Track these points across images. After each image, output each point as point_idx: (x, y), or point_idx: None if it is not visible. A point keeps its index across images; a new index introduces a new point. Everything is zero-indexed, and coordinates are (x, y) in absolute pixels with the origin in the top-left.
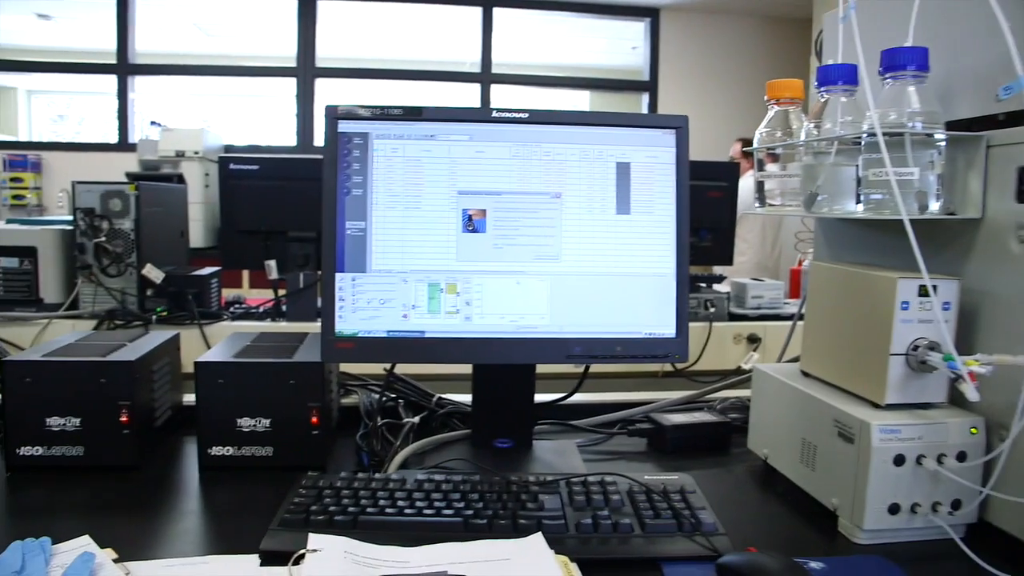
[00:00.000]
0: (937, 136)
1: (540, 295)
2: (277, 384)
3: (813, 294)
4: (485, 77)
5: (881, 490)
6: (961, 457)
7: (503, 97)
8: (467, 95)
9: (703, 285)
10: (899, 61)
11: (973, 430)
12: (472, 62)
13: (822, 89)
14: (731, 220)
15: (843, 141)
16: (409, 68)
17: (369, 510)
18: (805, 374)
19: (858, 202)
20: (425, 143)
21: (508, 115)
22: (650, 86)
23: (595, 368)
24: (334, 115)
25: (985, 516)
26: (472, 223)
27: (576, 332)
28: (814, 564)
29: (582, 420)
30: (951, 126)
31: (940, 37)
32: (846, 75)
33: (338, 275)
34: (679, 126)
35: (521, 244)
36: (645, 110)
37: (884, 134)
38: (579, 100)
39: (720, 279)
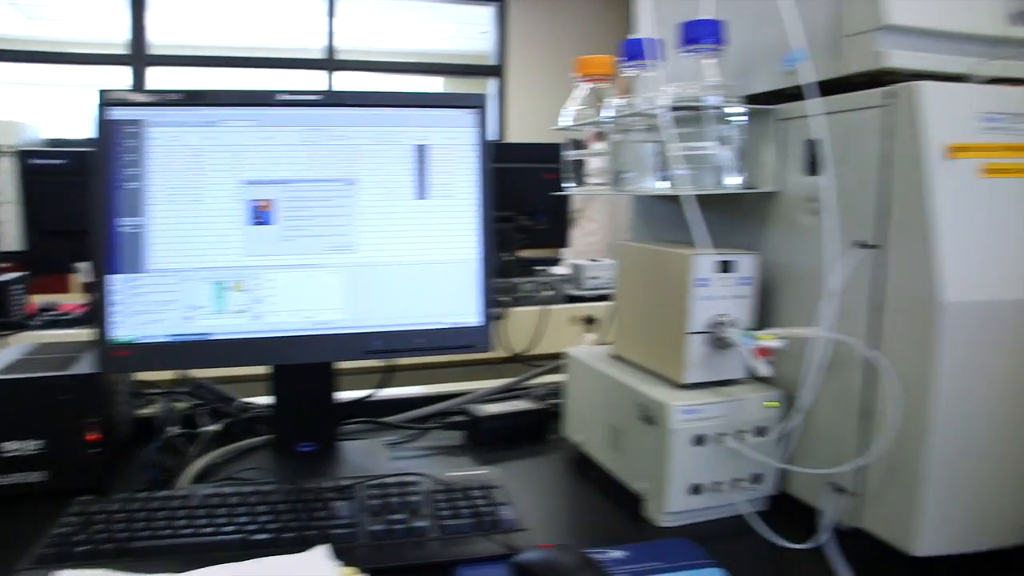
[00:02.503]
0: (734, 110)
1: (335, 288)
2: (47, 401)
3: (621, 275)
4: (330, 63)
5: (683, 471)
6: (761, 432)
7: (350, 84)
8: (312, 83)
9: (540, 268)
10: (695, 34)
11: (769, 404)
12: (320, 48)
13: (627, 65)
14: (566, 202)
15: (650, 116)
16: (251, 55)
17: (141, 535)
18: (618, 357)
19: (663, 179)
20: (207, 130)
21: (296, 98)
22: (499, 70)
23: (428, 359)
24: (106, 101)
25: (787, 488)
26: (259, 215)
27: (376, 326)
28: (616, 553)
29: (395, 416)
30: (751, 100)
31: (740, 11)
32: (649, 50)
33: (112, 277)
34: (478, 105)
35: (313, 235)
36: (494, 95)
37: (681, 108)
38: (432, 86)
39: (557, 261)
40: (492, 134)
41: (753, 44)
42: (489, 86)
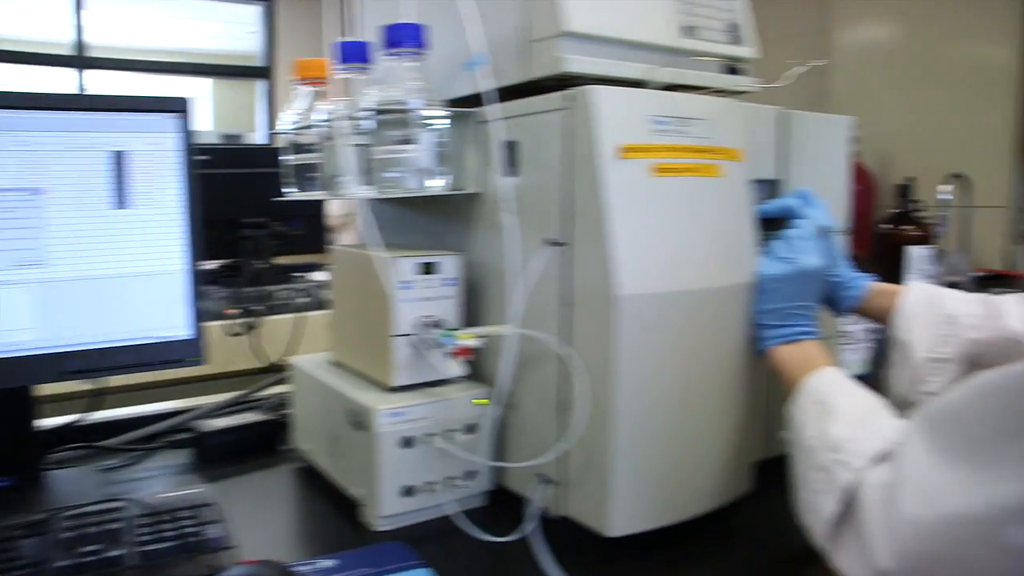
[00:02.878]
0: (435, 113)
1: (24, 306)
2: None
3: (335, 280)
4: (79, 61)
5: (393, 474)
6: (471, 429)
7: (102, 84)
8: (60, 81)
9: (299, 274)
10: (397, 38)
11: (478, 401)
12: (67, 43)
13: (339, 67)
14: (321, 207)
15: (356, 120)
16: None
17: None
18: (337, 363)
19: (371, 182)
20: None
21: None
22: (267, 72)
23: (172, 374)
24: None
25: (502, 482)
26: None
27: (73, 344)
28: (326, 562)
29: (114, 439)
30: (457, 103)
31: (444, 15)
32: (360, 53)
33: None
34: (181, 109)
35: None
36: (262, 97)
37: (384, 112)
38: (198, 88)
39: (316, 267)
40: (262, 138)
41: (456, 48)
42: (257, 88)
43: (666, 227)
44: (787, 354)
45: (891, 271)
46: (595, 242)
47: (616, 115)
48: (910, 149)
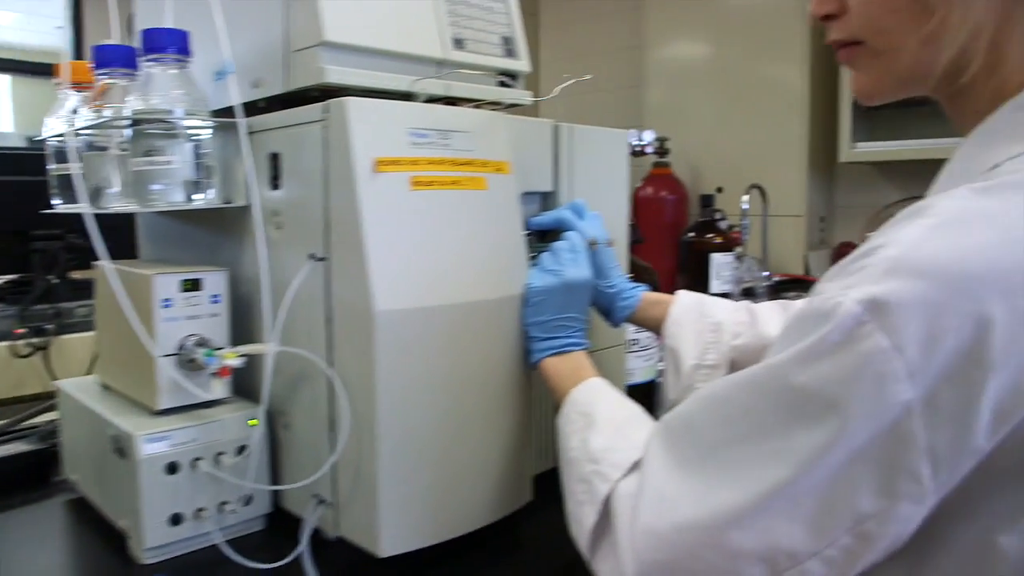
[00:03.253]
0: (199, 123)
1: None
2: None
3: (98, 299)
4: None
5: (158, 503)
6: (242, 451)
7: None
8: None
9: None
10: (159, 43)
11: (251, 422)
12: None
13: (99, 72)
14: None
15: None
16: None
17: None
18: (105, 386)
19: (135, 194)
20: None
21: None
22: None
23: None
24: None
25: (284, 504)
26: None
27: None
28: None
29: None
30: (226, 113)
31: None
32: (123, 58)
33: None
34: None
35: None
36: None
37: (143, 122)
38: None
39: None
40: None
41: (221, 56)
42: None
43: (427, 241)
44: (555, 366)
45: (697, 277)
46: (353, 257)
47: (373, 127)
48: (718, 161)
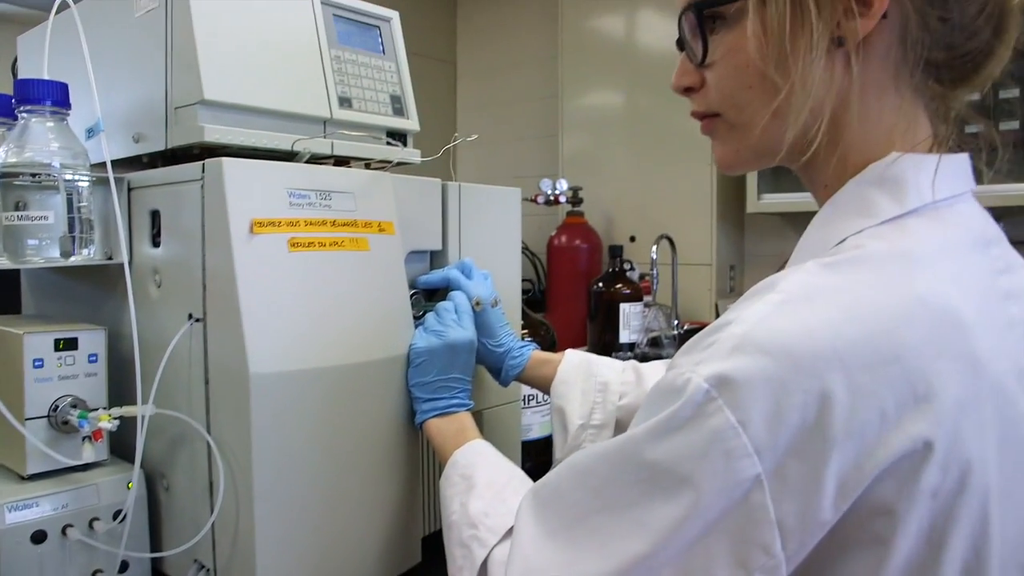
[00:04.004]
0: (79, 176)
1: None
2: None
3: None
4: None
5: (22, 574)
6: (118, 515)
7: None
8: None
9: None
10: (34, 94)
11: (129, 484)
12: None
13: None
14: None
15: None
16: None
17: None
18: None
19: (10, 249)
20: None
21: None
22: None
23: None
24: None
25: (166, 569)
26: None
27: None
28: None
29: None
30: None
31: (101, 74)
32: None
33: None
34: None
35: None
36: None
37: (16, 174)
38: None
39: None
40: None
41: (111, 111)
42: None
43: (305, 303)
44: (439, 427)
45: (607, 326)
46: (229, 318)
47: (249, 188)
48: (631, 210)
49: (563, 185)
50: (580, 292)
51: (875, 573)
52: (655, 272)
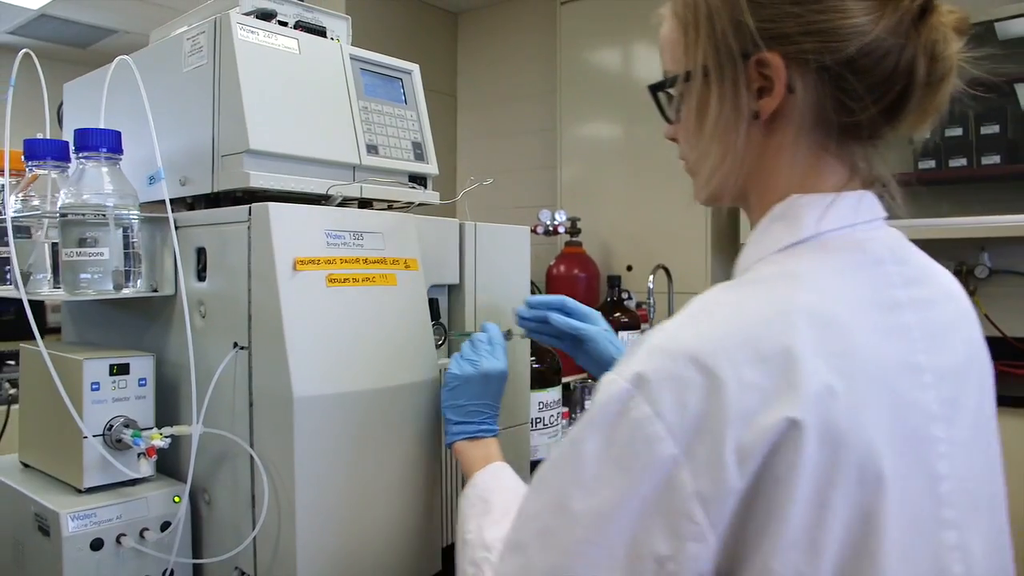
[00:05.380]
0: (131, 216)
1: None
2: None
3: (24, 379)
4: None
5: None
6: (165, 527)
7: None
8: None
9: (13, 363)
10: (92, 142)
11: (176, 499)
12: None
13: (30, 164)
14: None
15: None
16: None
17: None
18: (26, 464)
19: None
20: None
21: None
22: None
23: None
24: None
25: None
26: None
27: None
28: None
29: None
30: (154, 208)
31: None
32: (56, 151)
33: None
34: None
35: None
36: None
37: (76, 213)
38: None
39: None
40: None
41: (154, 157)
42: None
43: (341, 333)
44: (467, 450)
45: None
46: (274, 347)
47: (292, 230)
48: (628, 240)
49: (562, 216)
50: None
51: (776, 536)
52: (651, 301)
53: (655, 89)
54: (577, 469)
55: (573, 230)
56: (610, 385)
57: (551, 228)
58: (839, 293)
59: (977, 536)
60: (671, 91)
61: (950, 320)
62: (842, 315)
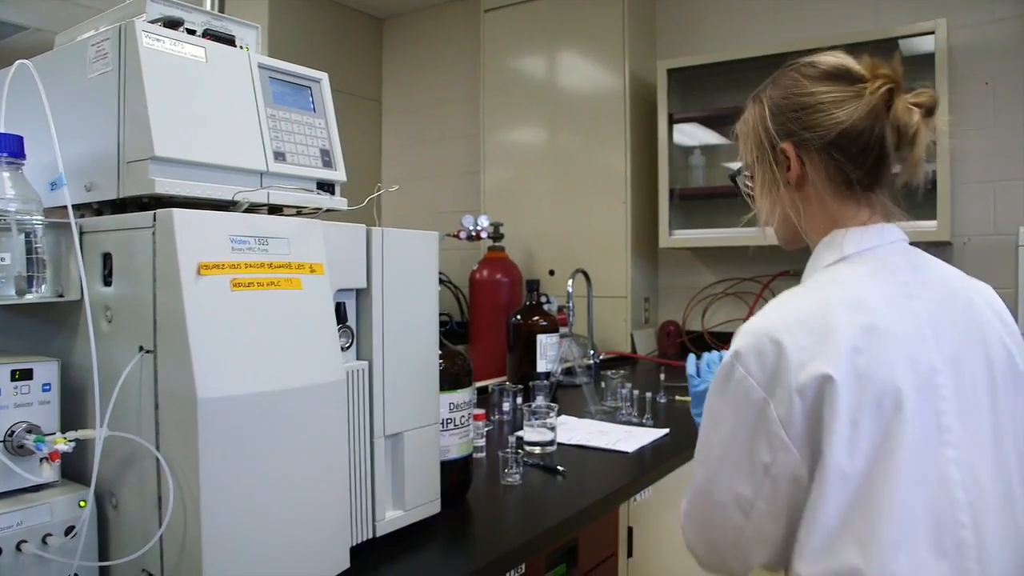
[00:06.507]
0: (34, 221)
1: None
2: None
3: None
4: None
5: None
6: (70, 531)
7: None
8: None
9: None
10: None
11: (82, 503)
12: None
13: None
14: None
15: None
16: None
17: None
18: None
19: None
20: None
21: None
22: None
23: None
24: None
25: None
26: None
27: None
28: None
29: None
30: (60, 213)
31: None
32: None
33: None
34: None
35: None
36: None
37: None
38: None
39: None
40: None
41: (68, 160)
42: None
43: (246, 335)
44: None
45: (525, 357)
46: (178, 350)
47: (196, 235)
48: (551, 245)
49: (484, 221)
50: (501, 324)
51: (829, 445)
52: (571, 304)
53: (733, 176)
54: (710, 416)
55: (496, 235)
56: (723, 361)
57: (474, 233)
58: (867, 290)
59: (979, 457)
60: (745, 177)
61: (951, 309)
62: (869, 302)
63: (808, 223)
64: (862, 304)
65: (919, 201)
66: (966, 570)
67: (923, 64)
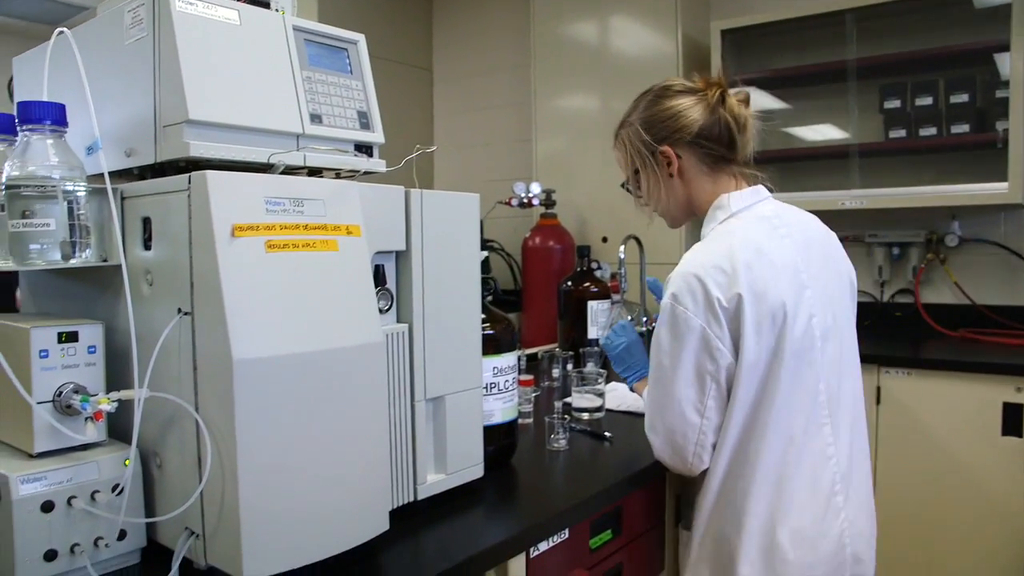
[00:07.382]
0: (77, 188)
1: None
2: None
3: None
4: None
5: (31, 541)
6: (116, 489)
7: None
8: None
9: None
10: (35, 115)
11: (126, 462)
12: None
13: None
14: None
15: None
16: None
17: None
18: None
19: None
20: None
21: None
22: None
23: None
24: None
25: (157, 538)
26: None
27: None
28: None
29: None
30: (100, 179)
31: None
32: (2, 125)
33: None
34: None
35: None
36: None
37: (22, 185)
38: None
39: None
40: None
41: (102, 128)
42: None
43: (281, 297)
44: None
45: (576, 323)
46: (214, 312)
47: (230, 197)
48: (603, 211)
49: (536, 188)
50: (553, 291)
51: (746, 348)
52: (623, 271)
53: (624, 184)
54: (660, 348)
55: (548, 202)
56: (663, 304)
57: (525, 200)
58: (753, 233)
59: (836, 342)
60: (631, 184)
61: (812, 246)
62: (757, 241)
63: (698, 197)
64: (752, 243)
65: (986, 163)
66: (832, 424)
67: (996, 16)
